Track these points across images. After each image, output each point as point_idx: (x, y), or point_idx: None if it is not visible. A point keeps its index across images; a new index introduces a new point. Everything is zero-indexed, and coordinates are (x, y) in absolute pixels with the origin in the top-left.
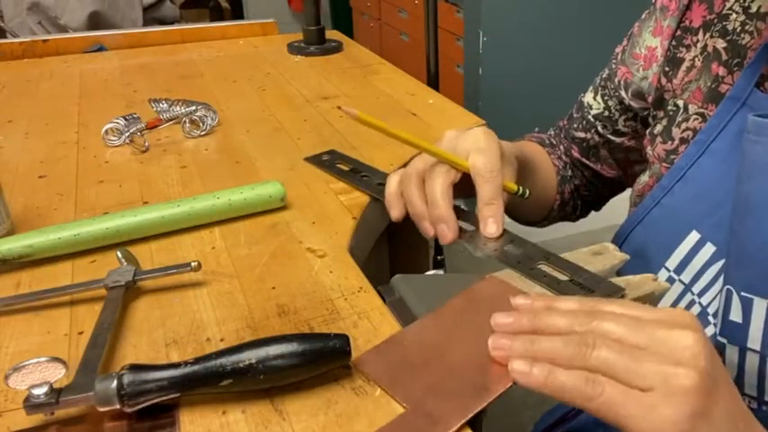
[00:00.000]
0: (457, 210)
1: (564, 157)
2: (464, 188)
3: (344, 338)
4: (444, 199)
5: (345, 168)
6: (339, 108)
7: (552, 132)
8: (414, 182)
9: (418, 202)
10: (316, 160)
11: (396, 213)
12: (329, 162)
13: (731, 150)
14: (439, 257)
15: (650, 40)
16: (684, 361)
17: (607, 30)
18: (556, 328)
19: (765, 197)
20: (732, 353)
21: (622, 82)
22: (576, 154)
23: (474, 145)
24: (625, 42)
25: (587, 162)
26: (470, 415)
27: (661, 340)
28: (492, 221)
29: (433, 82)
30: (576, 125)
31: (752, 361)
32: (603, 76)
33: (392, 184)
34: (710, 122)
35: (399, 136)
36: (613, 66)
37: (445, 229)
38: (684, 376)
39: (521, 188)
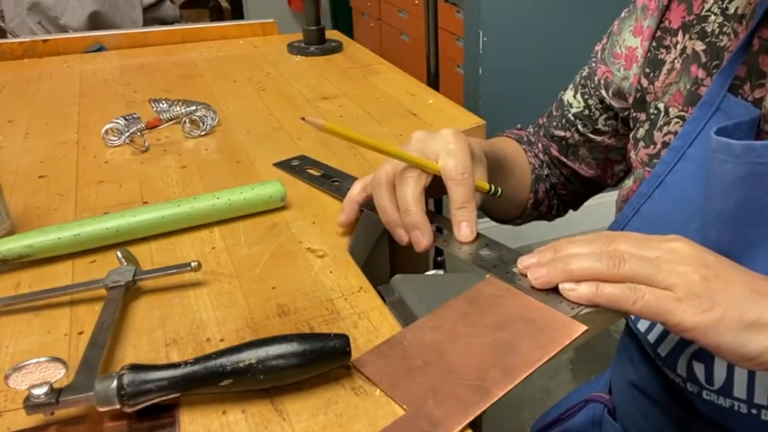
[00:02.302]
0: (430, 214)
1: (541, 155)
2: (436, 188)
3: (344, 338)
4: (417, 205)
5: (316, 174)
6: (303, 119)
7: (531, 130)
8: (384, 188)
9: (390, 209)
10: (285, 166)
11: (343, 218)
12: (299, 167)
13: (707, 156)
14: (439, 258)
15: (630, 40)
16: (692, 262)
17: (607, 30)
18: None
19: (741, 212)
20: None
21: (602, 81)
22: (554, 152)
23: (443, 147)
24: (605, 41)
25: (566, 160)
26: (471, 418)
27: (668, 250)
28: (465, 225)
29: (433, 82)
30: (555, 123)
31: None
32: (583, 74)
33: (354, 189)
34: (685, 128)
35: (367, 143)
36: (593, 64)
37: (419, 235)
38: (694, 272)
39: (493, 187)
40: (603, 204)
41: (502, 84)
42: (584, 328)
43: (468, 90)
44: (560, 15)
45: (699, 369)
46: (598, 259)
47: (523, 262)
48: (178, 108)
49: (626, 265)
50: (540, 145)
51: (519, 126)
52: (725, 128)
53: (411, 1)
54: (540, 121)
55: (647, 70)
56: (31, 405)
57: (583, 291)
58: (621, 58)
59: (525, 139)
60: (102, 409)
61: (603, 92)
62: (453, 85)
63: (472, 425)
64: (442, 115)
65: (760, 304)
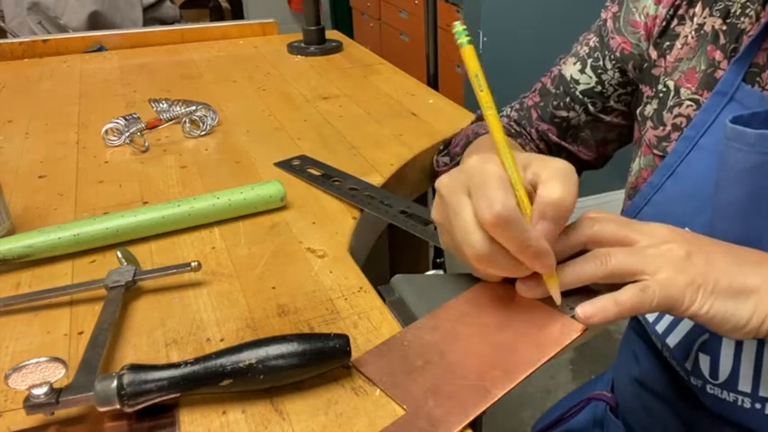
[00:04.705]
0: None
1: (533, 143)
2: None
3: (344, 338)
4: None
5: (316, 173)
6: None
7: (515, 115)
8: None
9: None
10: (285, 165)
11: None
12: (299, 167)
13: (719, 146)
14: (438, 260)
15: (652, 8)
16: (674, 238)
17: None
18: (568, 245)
19: (752, 202)
20: (728, 344)
21: (618, 54)
22: (553, 137)
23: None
24: (615, 8)
25: (565, 144)
26: (471, 418)
27: (646, 232)
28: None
29: (433, 82)
30: (556, 103)
31: (749, 349)
32: (591, 45)
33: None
34: (698, 118)
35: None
36: (604, 34)
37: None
38: (678, 248)
39: None
40: (606, 204)
41: (502, 84)
42: (584, 328)
43: (468, 90)
44: (560, 15)
45: (704, 362)
46: (585, 260)
47: (522, 293)
48: (178, 108)
49: (612, 259)
50: (533, 131)
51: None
52: (740, 117)
53: (411, 1)
54: (529, 102)
55: (659, 40)
56: (31, 405)
57: (603, 313)
58: (640, 27)
59: (513, 131)
60: (102, 409)
61: (624, 65)
62: (453, 85)
63: (472, 425)
64: (442, 115)
65: (744, 271)
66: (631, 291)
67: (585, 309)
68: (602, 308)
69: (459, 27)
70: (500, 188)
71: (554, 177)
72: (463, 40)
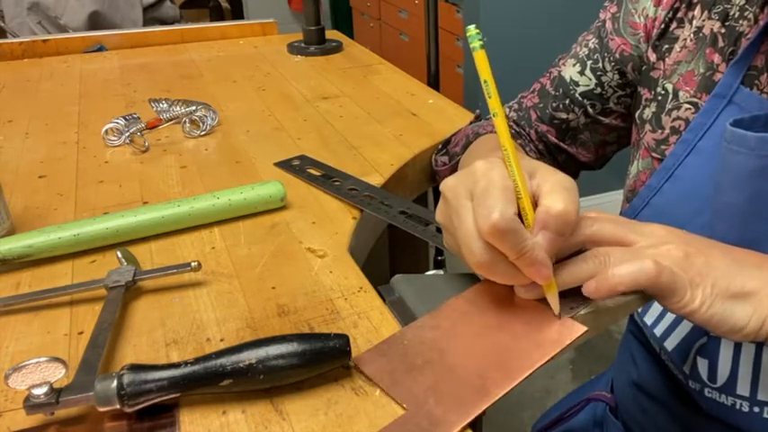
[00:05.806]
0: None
1: (533, 144)
2: (418, 186)
3: (344, 338)
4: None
5: (316, 173)
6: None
7: (513, 115)
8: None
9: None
10: (285, 165)
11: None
12: (299, 167)
13: (718, 149)
14: (439, 258)
15: (651, 10)
16: (672, 239)
17: None
18: (567, 244)
19: (752, 205)
20: (727, 348)
21: (618, 55)
22: (552, 138)
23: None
24: (614, 9)
25: (563, 145)
26: (471, 417)
27: (645, 233)
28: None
29: (433, 82)
30: (555, 104)
31: (747, 352)
32: (590, 46)
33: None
34: (696, 121)
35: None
36: (603, 35)
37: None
38: (676, 249)
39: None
40: (605, 204)
41: (502, 84)
42: (584, 329)
43: (468, 90)
44: (560, 15)
45: (702, 366)
46: (584, 260)
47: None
48: (178, 108)
49: (611, 259)
50: (532, 132)
51: (478, 111)
52: (741, 120)
53: (411, 1)
54: (528, 103)
55: (658, 43)
56: (31, 405)
57: (603, 290)
58: (640, 28)
59: (512, 131)
60: (102, 409)
61: (623, 66)
62: (453, 85)
63: (472, 425)
64: (442, 115)
65: (743, 273)
66: (630, 256)
67: (589, 286)
68: (605, 278)
69: (472, 31)
70: (501, 197)
71: (557, 190)
72: (476, 44)
